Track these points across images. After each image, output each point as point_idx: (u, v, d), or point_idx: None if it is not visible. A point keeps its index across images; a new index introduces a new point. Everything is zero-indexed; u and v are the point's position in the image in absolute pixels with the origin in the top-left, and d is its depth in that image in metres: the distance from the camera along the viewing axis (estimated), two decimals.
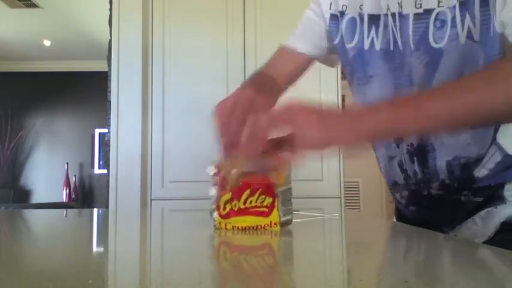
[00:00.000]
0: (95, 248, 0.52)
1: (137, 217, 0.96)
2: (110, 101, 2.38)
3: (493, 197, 0.72)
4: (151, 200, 2.39)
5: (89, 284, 0.31)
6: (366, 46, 0.76)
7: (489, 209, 0.72)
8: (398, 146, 0.79)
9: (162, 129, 2.42)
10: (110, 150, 2.36)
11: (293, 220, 0.64)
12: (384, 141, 0.81)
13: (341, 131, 0.57)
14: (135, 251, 0.49)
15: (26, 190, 6.05)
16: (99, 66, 5.16)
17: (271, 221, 0.60)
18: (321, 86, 2.36)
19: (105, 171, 2.62)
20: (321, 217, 0.74)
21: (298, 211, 0.82)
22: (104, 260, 0.44)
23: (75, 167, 6.05)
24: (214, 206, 0.62)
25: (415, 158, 0.76)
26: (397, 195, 0.86)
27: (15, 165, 6.05)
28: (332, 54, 0.90)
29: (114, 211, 1.29)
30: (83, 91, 6.04)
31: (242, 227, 0.60)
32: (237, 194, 0.60)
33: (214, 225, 0.62)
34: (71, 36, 5.14)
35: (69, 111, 6.10)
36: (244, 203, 0.59)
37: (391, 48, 0.74)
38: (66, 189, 5.85)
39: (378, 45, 0.75)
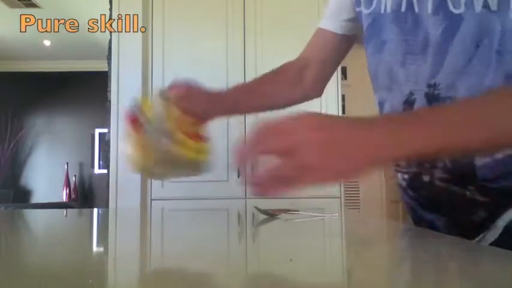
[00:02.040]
0: (95, 248, 0.52)
1: (137, 217, 0.96)
2: (110, 101, 2.38)
3: (499, 206, 0.63)
4: (151, 200, 2.39)
5: (89, 284, 0.31)
6: (382, 9, 0.73)
7: (484, 233, 0.64)
8: None
9: None
10: (109, 150, 2.36)
11: (294, 220, 0.65)
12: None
13: (356, 159, 0.46)
14: (135, 251, 0.49)
15: (26, 190, 6.05)
16: (99, 66, 5.15)
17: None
18: None
19: (105, 171, 2.62)
20: (321, 217, 0.74)
21: (298, 211, 0.82)
22: (104, 260, 0.44)
23: (75, 167, 6.05)
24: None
25: None
26: (400, 177, 0.78)
27: (15, 165, 6.05)
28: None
29: (114, 211, 1.29)
30: (83, 91, 6.04)
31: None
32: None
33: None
34: (71, 36, 5.14)
35: (69, 111, 6.10)
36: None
37: (403, 9, 0.69)
38: (66, 189, 5.85)
39: (389, 7, 0.71)
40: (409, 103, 0.70)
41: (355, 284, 0.32)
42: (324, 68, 0.93)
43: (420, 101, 0.68)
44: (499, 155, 0.61)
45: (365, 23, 0.77)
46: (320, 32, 0.93)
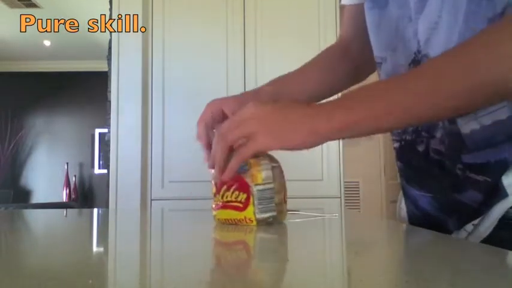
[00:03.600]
0: (95, 248, 0.52)
1: (137, 217, 0.96)
2: (110, 101, 2.38)
3: (492, 190, 0.59)
4: (151, 200, 2.39)
5: (89, 284, 0.31)
6: None
7: (475, 222, 0.61)
8: None
9: (162, 129, 2.42)
10: (109, 150, 2.37)
11: (294, 220, 0.64)
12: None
13: (297, 134, 0.56)
14: (135, 251, 0.49)
15: (26, 190, 6.05)
16: (99, 66, 5.16)
17: (245, 217, 0.62)
18: None
19: (105, 171, 2.62)
20: (321, 217, 0.74)
21: (298, 211, 0.82)
22: (104, 260, 0.44)
23: (75, 167, 6.05)
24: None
25: None
26: (394, 145, 0.76)
27: (15, 165, 6.05)
28: None
29: (114, 211, 1.29)
30: (83, 91, 6.04)
31: (223, 220, 0.65)
32: (218, 189, 0.65)
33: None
34: (71, 36, 5.14)
35: (69, 111, 6.11)
36: (222, 197, 0.64)
37: None
38: (66, 189, 5.85)
39: None
40: (416, 63, 0.65)
41: (356, 285, 0.32)
42: (364, 38, 0.83)
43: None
44: (487, 121, 0.58)
45: None
46: (345, 10, 0.91)
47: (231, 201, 0.63)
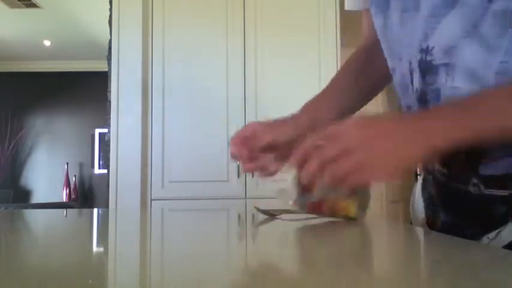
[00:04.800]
0: (95, 248, 0.52)
1: (137, 217, 0.96)
2: (110, 101, 2.38)
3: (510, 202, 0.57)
4: (151, 200, 2.39)
5: (89, 284, 0.31)
6: None
7: (500, 229, 0.58)
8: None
9: (162, 129, 2.42)
10: (109, 150, 2.37)
11: (294, 220, 0.65)
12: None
13: (412, 149, 0.53)
14: (135, 251, 0.49)
15: (26, 190, 6.05)
16: (99, 66, 5.15)
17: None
18: (320, 84, 2.36)
19: (105, 171, 2.62)
20: (321, 217, 0.74)
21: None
22: (104, 260, 0.44)
23: (75, 167, 6.05)
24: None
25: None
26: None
27: (15, 165, 6.05)
28: None
29: (114, 211, 1.29)
30: (83, 91, 6.04)
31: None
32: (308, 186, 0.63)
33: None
34: (71, 36, 5.14)
35: (69, 111, 6.10)
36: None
37: None
38: (66, 189, 5.85)
39: None
40: (410, 72, 0.64)
41: (356, 285, 0.32)
42: None
43: (416, 72, 0.62)
44: None
45: None
46: (362, 14, 0.88)
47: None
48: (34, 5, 4.28)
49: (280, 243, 0.55)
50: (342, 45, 2.41)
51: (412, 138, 0.53)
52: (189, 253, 0.46)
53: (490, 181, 0.58)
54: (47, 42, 5.40)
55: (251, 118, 2.35)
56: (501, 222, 0.58)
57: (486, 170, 0.58)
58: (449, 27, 0.58)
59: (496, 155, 0.57)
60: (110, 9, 2.43)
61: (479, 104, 0.54)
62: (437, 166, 0.65)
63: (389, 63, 0.71)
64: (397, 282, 0.33)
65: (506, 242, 0.57)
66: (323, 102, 0.85)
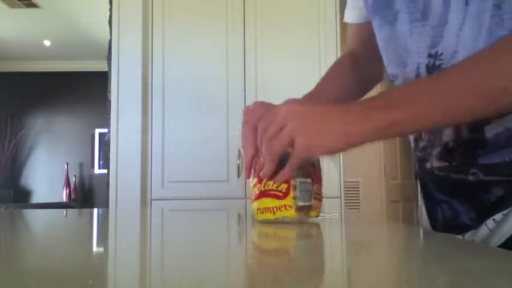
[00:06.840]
0: (95, 248, 0.52)
1: (137, 217, 0.96)
2: (110, 101, 2.38)
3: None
4: (151, 200, 2.39)
5: (89, 284, 0.31)
6: None
7: (505, 211, 0.58)
8: None
9: (162, 129, 2.42)
10: (109, 150, 2.37)
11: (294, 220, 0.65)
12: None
13: (333, 136, 0.55)
14: (135, 251, 0.49)
15: (26, 190, 6.05)
16: (99, 66, 5.16)
17: (285, 204, 0.66)
18: None
19: (105, 171, 2.62)
20: (320, 217, 0.74)
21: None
22: (104, 260, 0.44)
23: (75, 167, 6.05)
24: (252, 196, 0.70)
25: None
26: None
27: (15, 165, 6.06)
28: None
29: (114, 211, 1.29)
30: (83, 91, 6.04)
31: (262, 209, 0.68)
32: (259, 179, 0.68)
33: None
34: (71, 36, 5.14)
35: (69, 111, 6.11)
36: (264, 186, 0.68)
37: None
38: (66, 189, 5.85)
39: None
40: (416, 76, 0.66)
41: (356, 284, 0.32)
42: (372, 52, 0.82)
43: (424, 75, 0.64)
44: (511, 124, 0.57)
45: None
46: (348, 26, 0.92)
47: (272, 190, 0.67)
48: (34, 5, 4.28)
49: (280, 243, 0.55)
50: (342, 44, 2.42)
51: (332, 122, 0.56)
52: (189, 253, 0.46)
53: (489, 169, 0.59)
54: (47, 42, 5.41)
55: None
56: (500, 206, 0.59)
57: (485, 160, 0.59)
58: (452, 29, 0.60)
59: (495, 146, 0.58)
60: (110, 9, 2.43)
61: (419, 89, 0.56)
62: (435, 163, 0.67)
63: (391, 71, 0.73)
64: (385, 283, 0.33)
65: (507, 235, 0.58)
66: (322, 92, 0.86)
